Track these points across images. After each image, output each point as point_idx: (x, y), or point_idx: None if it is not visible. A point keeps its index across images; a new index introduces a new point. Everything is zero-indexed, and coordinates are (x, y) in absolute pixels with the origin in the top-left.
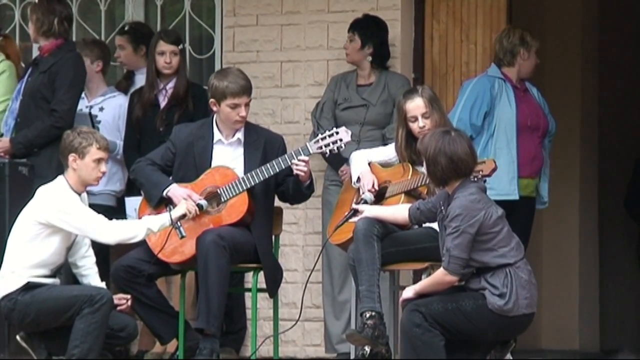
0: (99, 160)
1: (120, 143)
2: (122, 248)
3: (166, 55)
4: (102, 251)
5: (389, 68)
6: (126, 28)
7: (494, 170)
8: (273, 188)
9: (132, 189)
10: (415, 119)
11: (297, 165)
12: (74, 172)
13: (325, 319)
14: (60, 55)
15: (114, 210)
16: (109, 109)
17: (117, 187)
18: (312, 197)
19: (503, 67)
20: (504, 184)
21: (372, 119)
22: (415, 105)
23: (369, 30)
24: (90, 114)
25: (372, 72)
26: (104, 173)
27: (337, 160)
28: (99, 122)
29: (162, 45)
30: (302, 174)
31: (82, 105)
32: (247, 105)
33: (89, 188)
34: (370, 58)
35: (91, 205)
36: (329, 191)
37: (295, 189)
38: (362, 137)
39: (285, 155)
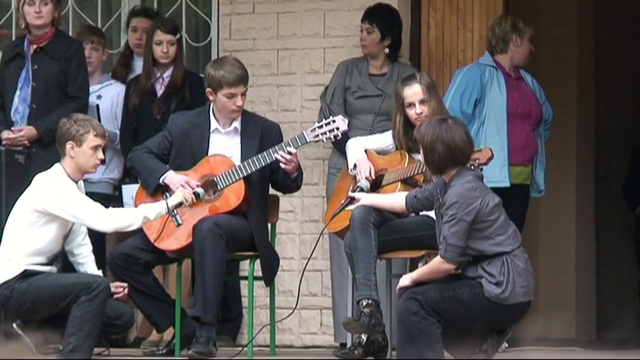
0: (96, 148)
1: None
2: (121, 236)
3: (163, 45)
4: (98, 239)
5: (398, 58)
6: (151, 12)
7: (491, 158)
8: (268, 176)
9: (129, 176)
10: (413, 105)
11: (282, 156)
12: (71, 159)
13: (335, 307)
14: (68, 43)
15: (113, 198)
16: (106, 97)
17: (115, 175)
18: (310, 185)
19: (496, 54)
20: (495, 172)
21: (386, 109)
22: (413, 91)
23: (388, 21)
24: (97, 106)
25: (385, 63)
26: (101, 160)
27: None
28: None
29: (159, 35)
30: (286, 166)
31: (89, 89)
32: (243, 94)
33: (87, 176)
34: (387, 50)
35: (90, 194)
36: (334, 178)
37: (282, 179)
38: (375, 126)
39: (282, 144)
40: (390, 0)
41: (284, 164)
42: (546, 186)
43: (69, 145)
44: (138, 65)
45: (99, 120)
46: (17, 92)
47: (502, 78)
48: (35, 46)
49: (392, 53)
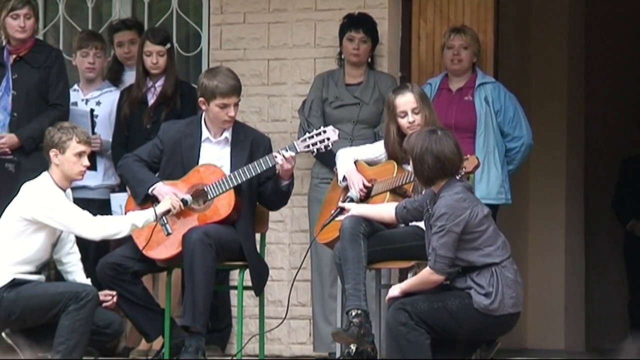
0: (80, 154)
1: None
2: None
3: (153, 56)
4: (86, 248)
5: (374, 67)
6: (130, 23)
7: (477, 167)
8: (256, 187)
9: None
10: (405, 114)
11: (281, 156)
12: (56, 167)
13: (315, 319)
14: (47, 51)
15: (109, 205)
16: (105, 104)
17: (113, 181)
18: (299, 195)
19: None
20: None
21: (365, 117)
22: (406, 100)
23: (375, 31)
24: (92, 111)
25: (364, 71)
26: (87, 167)
27: (331, 158)
28: (97, 116)
29: (149, 46)
30: (283, 167)
31: (77, 98)
32: (236, 105)
33: (86, 182)
34: (370, 59)
35: (89, 200)
36: (318, 189)
37: (273, 187)
38: (355, 135)
39: (272, 154)
40: (381, 11)
41: (284, 163)
42: (536, 197)
43: (52, 153)
44: (128, 75)
45: (93, 126)
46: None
47: (433, 93)
48: (15, 56)
49: (371, 61)
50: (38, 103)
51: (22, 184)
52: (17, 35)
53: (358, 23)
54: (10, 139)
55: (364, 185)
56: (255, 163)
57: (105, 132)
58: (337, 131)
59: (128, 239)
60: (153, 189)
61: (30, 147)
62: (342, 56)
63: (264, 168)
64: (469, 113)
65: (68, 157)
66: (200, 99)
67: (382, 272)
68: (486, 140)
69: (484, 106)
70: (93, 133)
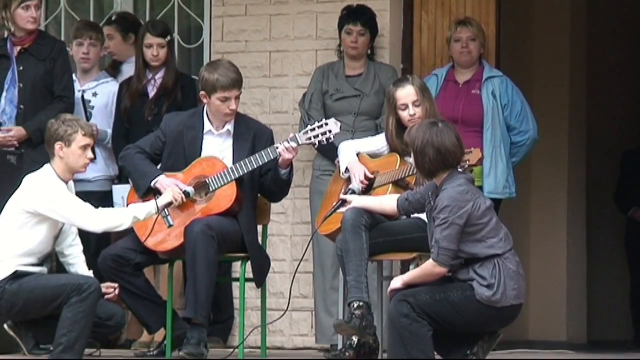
0: (85, 147)
1: (110, 132)
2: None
3: (153, 49)
4: (89, 241)
5: (374, 58)
6: (113, 18)
7: (481, 160)
8: (257, 179)
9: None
10: (406, 107)
11: (285, 145)
12: (60, 160)
13: (317, 311)
14: (52, 44)
15: (110, 196)
16: (102, 95)
17: (111, 172)
18: (300, 187)
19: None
20: None
21: (366, 109)
22: (407, 93)
23: (374, 21)
24: (83, 98)
25: (364, 63)
26: (91, 159)
27: (333, 151)
28: (92, 107)
29: (149, 38)
30: (285, 155)
31: (74, 88)
32: (237, 98)
33: (84, 175)
34: (369, 51)
35: (89, 193)
36: (320, 181)
37: (273, 177)
38: (357, 127)
39: (274, 147)
40: (383, 3)
41: (285, 152)
42: (538, 190)
43: (57, 146)
44: (126, 66)
45: (85, 111)
46: (4, 94)
47: (439, 85)
48: (19, 48)
49: (371, 53)
50: (44, 95)
51: (24, 176)
52: (29, 27)
53: (356, 16)
54: (19, 132)
55: (365, 177)
56: (257, 155)
57: (102, 122)
58: (339, 124)
59: (130, 231)
60: (156, 183)
61: (37, 139)
62: (342, 48)
63: (266, 160)
64: (477, 107)
65: (74, 150)
66: (202, 92)
67: (384, 264)
68: (494, 134)
69: (491, 100)
70: (87, 120)
